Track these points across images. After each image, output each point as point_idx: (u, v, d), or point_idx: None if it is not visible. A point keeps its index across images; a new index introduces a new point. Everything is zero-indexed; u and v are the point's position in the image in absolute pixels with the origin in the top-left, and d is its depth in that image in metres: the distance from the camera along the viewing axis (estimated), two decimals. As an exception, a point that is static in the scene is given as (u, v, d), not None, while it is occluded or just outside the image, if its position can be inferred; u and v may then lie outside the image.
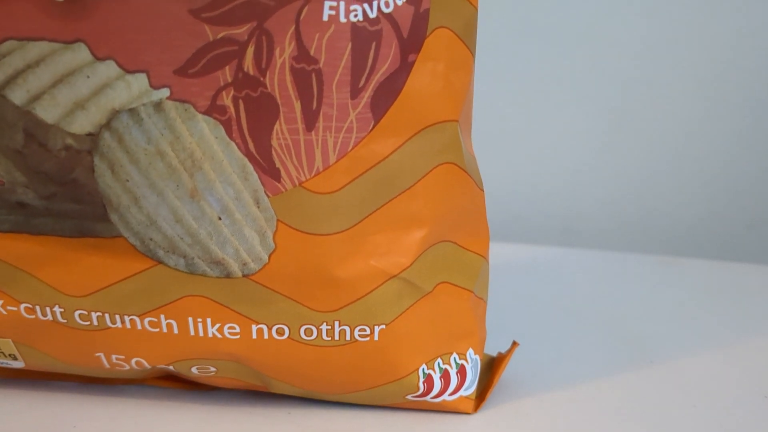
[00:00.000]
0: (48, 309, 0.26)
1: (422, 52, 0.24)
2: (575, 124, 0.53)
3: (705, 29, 0.50)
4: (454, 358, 0.28)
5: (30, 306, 0.26)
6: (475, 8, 0.25)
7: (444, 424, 0.28)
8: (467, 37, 0.25)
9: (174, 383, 0.30)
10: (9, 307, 0.26)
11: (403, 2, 0.23)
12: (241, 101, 0.23)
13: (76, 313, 0.26)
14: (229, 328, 0.26)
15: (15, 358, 0.28)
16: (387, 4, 0.23)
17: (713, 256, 0.53)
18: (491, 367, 0.30)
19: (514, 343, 0.31)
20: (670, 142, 0.52)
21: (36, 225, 0.25)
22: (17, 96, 0.23)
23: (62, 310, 0.26)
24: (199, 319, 0.26)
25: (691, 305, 0.40)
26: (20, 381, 0.30)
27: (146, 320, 0.26)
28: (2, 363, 0.28)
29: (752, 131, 0.51)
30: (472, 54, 0.26)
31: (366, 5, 0.23)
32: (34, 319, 0.26)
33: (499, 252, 0.48)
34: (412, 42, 0.24)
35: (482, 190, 0.28)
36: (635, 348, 0.34)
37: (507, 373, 0.32)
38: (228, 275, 0.25)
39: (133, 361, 0.27)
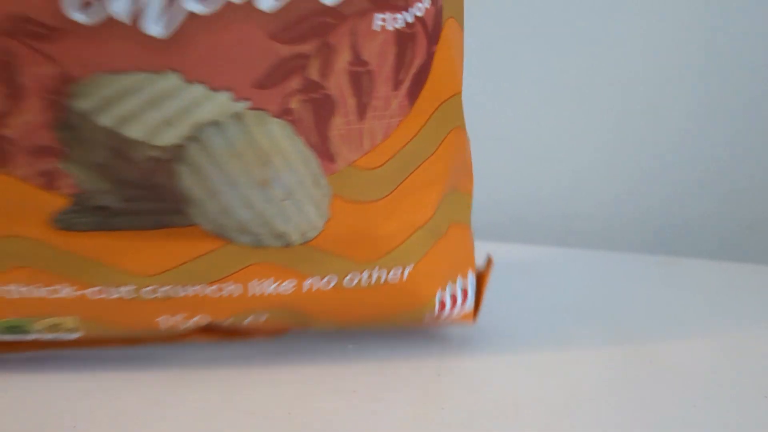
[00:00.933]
0: (118, 289, 0.28)
1: (440, 41, 0.28)
2: (575, 124, 0.53)
3: (705, 29, 0.50)
4: (460, 280, 0.33)
5: (99, 288, 0.28)
6: None
7: (444, 424, 0.28)
8: (461, 18, 0.29)
9: (209, 335, 0.32)
10: (77, 292, 0.28)
11: (429, 5, 0.27)
12: (306, 103, 0.26)
13: (145, 289, 0.28)
14: (287, 284, 0.29)
15: (75, 331, 0.30)
16: (420, 10, 0.27)
17: (713, 256, 0.53)
18: (475, 285, 0.35)
19: (490, 258, 0.35)
20: (669, 142, 0.52)
21: (115, 223, 0.26)
22: (106, 120, 0.25)
23: (132, 288, 0.28)
24: (262, 280, 0.29)
25: (691, 305, 0.40)
26: (20, 381, 0.30)
27: (213, 287, 0.28)
28: (61, 336, 0.30)
29: (752, 131, 0.51)
30: (463, 29, 0.30)
31: (405, 13, 0.27)
32: (102, 299, 0.28)
33: (499, 252, 0.48)
34: (434, 35, 0.28)
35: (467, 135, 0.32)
36: (635, 348, 0.35)
37: (507, 373, 0.32)
38: (288, 245, 0.28)
39: (195, 318, 0.30)
